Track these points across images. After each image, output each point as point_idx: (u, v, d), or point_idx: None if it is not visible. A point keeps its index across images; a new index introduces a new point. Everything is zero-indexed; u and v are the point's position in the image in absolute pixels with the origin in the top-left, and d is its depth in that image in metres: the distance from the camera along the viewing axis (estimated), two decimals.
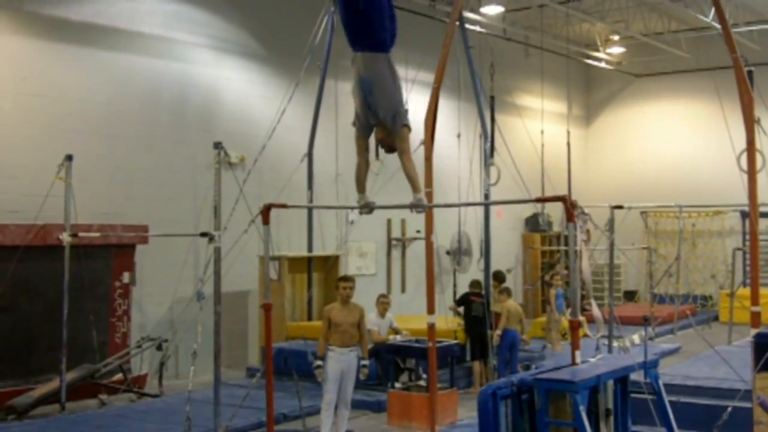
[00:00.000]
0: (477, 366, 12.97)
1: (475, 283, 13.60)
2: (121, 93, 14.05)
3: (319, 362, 9.53)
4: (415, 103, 15.57)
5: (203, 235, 10.28)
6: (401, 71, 17.38)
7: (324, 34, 14.46)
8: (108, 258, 13.09)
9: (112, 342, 13.04)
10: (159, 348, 12.85)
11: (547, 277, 19.12)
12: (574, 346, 6.52)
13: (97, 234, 12.30)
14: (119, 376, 12.59)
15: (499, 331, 12.90)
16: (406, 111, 6.56)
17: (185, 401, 9.33)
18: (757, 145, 8.82)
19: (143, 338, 13.14)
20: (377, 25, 6.30)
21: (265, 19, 16.48)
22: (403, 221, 19.03)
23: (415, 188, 6.74)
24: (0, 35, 12.55)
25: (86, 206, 12.22)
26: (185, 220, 14.12)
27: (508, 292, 13.76)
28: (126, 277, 13.30)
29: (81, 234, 11.77)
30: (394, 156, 14.98)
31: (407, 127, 6.52)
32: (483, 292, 13.52)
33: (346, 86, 18.35)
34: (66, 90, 13.27)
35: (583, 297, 9.83)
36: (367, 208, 6.96)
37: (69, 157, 11.71)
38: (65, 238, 11.57)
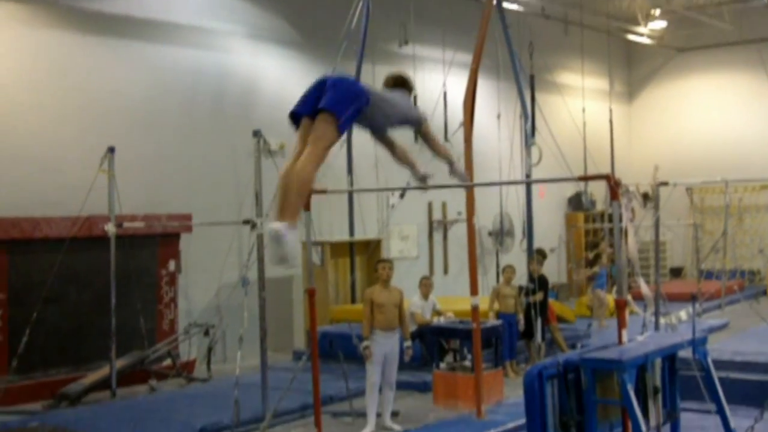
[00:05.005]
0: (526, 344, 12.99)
1: (540, 251, 13.70)
2: (160, 84, 14.16)
3: (366, 342, 9.58)
4: (454, 84, 15.63)
5: (246, 222, 10.36)
6: (438, 53, 17.42)
7: (360, 18, 14.44)
8: (153, 247, 13.25)
9: (160, 329, 13.21)
10: (206, 334, 13.00)
11: (591, 256, 19.03)
12: (621, 324, 6.48)
13: (142, 224, 12.42)
14: (168, 362, 12.76)
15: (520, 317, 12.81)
16: (418, 110, 6.37)
17: (233, 385, 9.41)
18: None
19: (190, 324, 13.30)
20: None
21: (301, 5, 16.49)
22: (444, 203, 19.00)
23: (451, 161, 6.66)
24: (38, 29, 12.71)
25: (130, 197, 12.34)
26: (228, 207, 14.22)
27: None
28: (172, 265, 13.45)
29: (126, 224, 11.91)
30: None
31: (425, 120, 6.34)
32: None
33: (384, 70, 18.31)
34: (105, 83, 13.41)
35: (629, 275, 9.74)
36: (423, 180, 6.86)
37: (111, 150, 11.82)
38: (110, 228, 11.70)
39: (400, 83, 6.36)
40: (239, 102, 15.25)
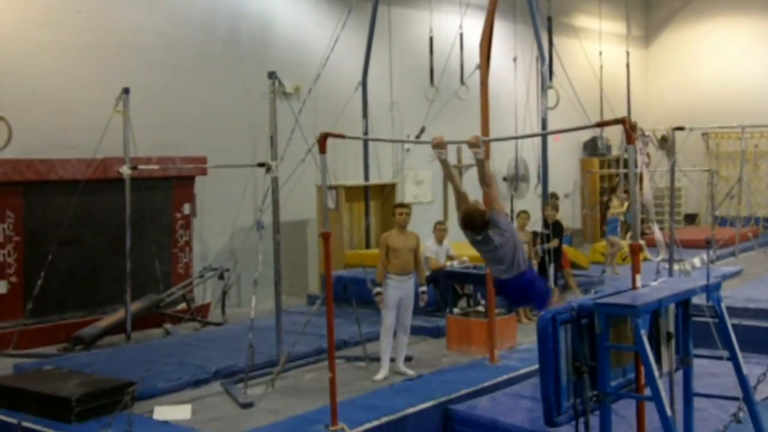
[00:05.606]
0: None
1: (552, 195, 13.71)
2: (175, 24, 14.06)
3: (378, 289, 9.60)
4: (470, 26, 15.43)
5: (261, 165, 10.32)
6: None
7: None
8: (168, 190, 13.27)
9: (175, 272, 13.28)
10: (221, 277, 13.06)
11: (606, 199, 18.97)
12: (635, 270, 6.45)
13: (157, 166, 12.43)
14: (183, 305, 12.84)
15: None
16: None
17: (248, 329, 9.46)
18: None
19: (205, 268, 13.35)
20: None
21: None
22: (459, 148, 18.86)
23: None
24: None
25: (144, 139, 12.33)
26: (242, 150, 14.20)
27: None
28: (186, 208, 13.48)
29: (141, 167, 11.90)
30: (449, 83, 14.84)
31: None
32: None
33: (399, 11, 18.21)
34: (120, 23, 13.32)
35: (643, 221, 9.69)
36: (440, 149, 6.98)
37: (126, 91, 11.78)
38: (125, 171, 11.71)
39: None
40: (254, 42, 15.13)
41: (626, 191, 15.51)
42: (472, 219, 6.70)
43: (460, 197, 6.85)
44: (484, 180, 6.56)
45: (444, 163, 6.88)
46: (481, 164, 6.62)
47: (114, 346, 11.30)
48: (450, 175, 7.05)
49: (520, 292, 7.00)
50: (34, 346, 11.30)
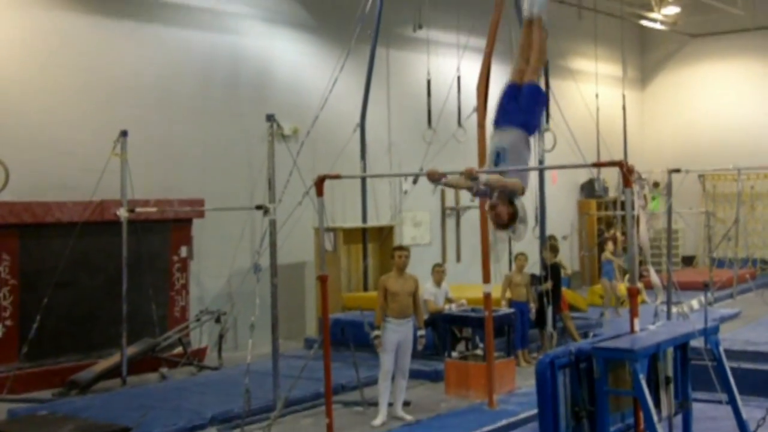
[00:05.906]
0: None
1: (550, 237, 13.66)
2: (174, 67, 14.13)
3: (377, 332, 9.56)
4: (467, 69, 15.55)
5: (258, 207, 10.32)
6: (452, 37, 17.31)
7: (374, 2, 14.36)
8: (165, 232, 13.24)
9: (171, 316, 13.21)
10: (218, 321, 12.98)
11: (603, 240, 19.00)
12: (633, 313, 6.43)
13: (154, 209, 12.41)
14: (179, 349, 12.74)
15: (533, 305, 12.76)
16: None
17: (244, 373, 9.40)
18: None
19: (202, 311, 13.28)
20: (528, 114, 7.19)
21: None
22: (456, 192, 18.94)
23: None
24: (54, 11, 12.68)
25: (142, 181, 12.32)
26: (240, 193, 14.21)
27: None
28: (183, 251, 13.44)
29: (138, 209, 11.89)
30: (447, 125, 14.97)
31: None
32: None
33: (397, 54, 18.32)
34: (118, 65, 13.38)
35: (640, 263, 9.69)
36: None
37: (124, 133, 11.80)
38: (122, 213, 11.70)
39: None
40: (253, 86, 15.20)
41: (623, 233, 15.52)
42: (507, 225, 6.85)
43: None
44: (494, 187, 6.73)
45: (447, 185, 7.06)
46: (486, 185, 6.79)
47: (109, 391, 11.20)
48: (459, 188, 7.21)
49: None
50: (28, 390, 11.19)
